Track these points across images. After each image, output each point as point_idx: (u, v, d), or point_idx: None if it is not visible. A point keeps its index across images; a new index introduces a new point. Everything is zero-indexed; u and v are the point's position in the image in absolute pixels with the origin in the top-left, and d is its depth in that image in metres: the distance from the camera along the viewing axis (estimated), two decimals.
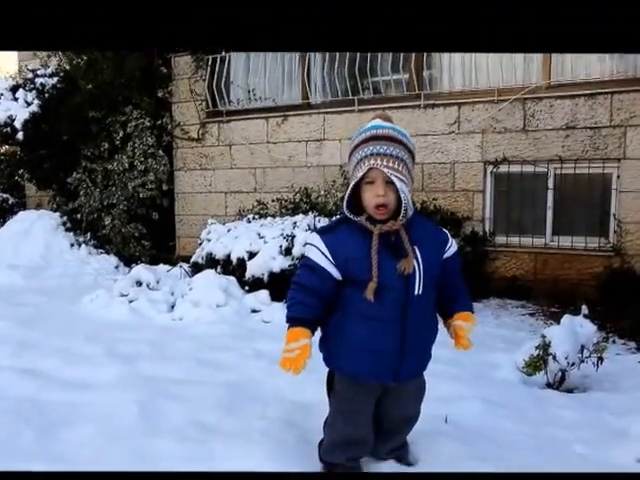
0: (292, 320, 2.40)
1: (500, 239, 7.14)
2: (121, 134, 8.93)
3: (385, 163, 2.26)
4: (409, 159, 2.34)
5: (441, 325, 2.60)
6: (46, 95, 9.45)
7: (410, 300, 2.34)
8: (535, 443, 3.03)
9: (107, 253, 9.01)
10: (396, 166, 2.27)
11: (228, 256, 6.51)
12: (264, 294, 5.94)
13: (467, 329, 2.53)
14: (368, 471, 2.67)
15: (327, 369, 2.59)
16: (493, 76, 6.97)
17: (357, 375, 2.45)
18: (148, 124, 8.89)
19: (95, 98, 8.94)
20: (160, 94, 9.03)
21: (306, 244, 2.51)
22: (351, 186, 2.32)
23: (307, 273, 2.41)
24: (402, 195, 2.26)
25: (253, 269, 6.19)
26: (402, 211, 2.29)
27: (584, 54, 6.39)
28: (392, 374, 2.43)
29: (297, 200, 7.60)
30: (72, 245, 8.95)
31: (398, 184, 2.25)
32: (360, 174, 2.29)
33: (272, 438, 2.92)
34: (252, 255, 6.31)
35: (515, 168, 6.97)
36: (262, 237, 6.43)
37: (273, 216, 7.24)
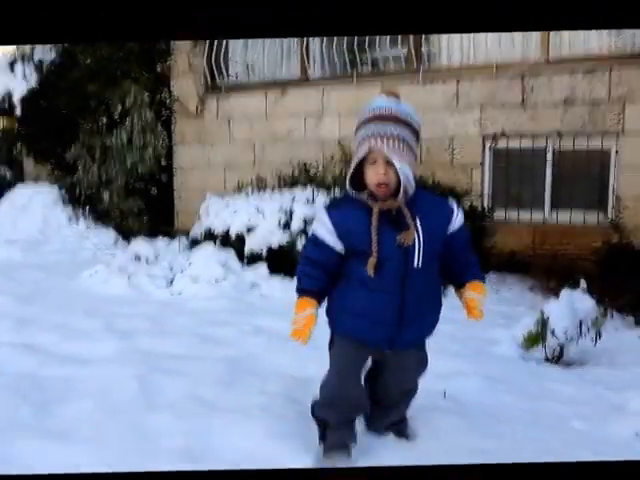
0: (300, 291, 2.51)
1: (499, 214, 7.12)
2: (120, 109, 8.87)
3: (386, 144, 2.29)
4: (412, 138, 2.37)
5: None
6: (44, 70, 9.38)
7: (409, 272, 2.38)
8: (533, 418, 3.05)
9: (106, 228, 8.99)
10: (397, 147, 2.30)
11: (227, 231, 6.50)
12: (263, 269, 5.95)
13: (479, 300, 2.56)
14: (368, 445, 2.68)
15: (328, 340, 2.64)
16: (492, 51, 6.93)
17: (354, 338, 2.52)
18: (147, 99, 8.84)
19: (94, 73, 8.89)
20: (159, 69, 8.98)
21: (315, 218, 2.60)
22: (353, 165, 2.37)
23: (312, 247, 2.51)
24: (402, 176, 2.29)
25: (252, 244, 6.19)
26: (401, 191, 2.32)
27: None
28: (388, 342, 2.50)
29: (296, 174, 7.57)
30: (70, 220, 8.94)
31: (398, 165, 2.28)
32: (361, 154, 2.34)
33: (272, 414, 2.93)
34: (251, 230, 6.30)
35: (514, 143, 6.95)
36: (261, 212, 6.42)
37: (272, 191, 7.22)
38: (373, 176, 2.34)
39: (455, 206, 2.55)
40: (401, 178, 2.30)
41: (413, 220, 2.36)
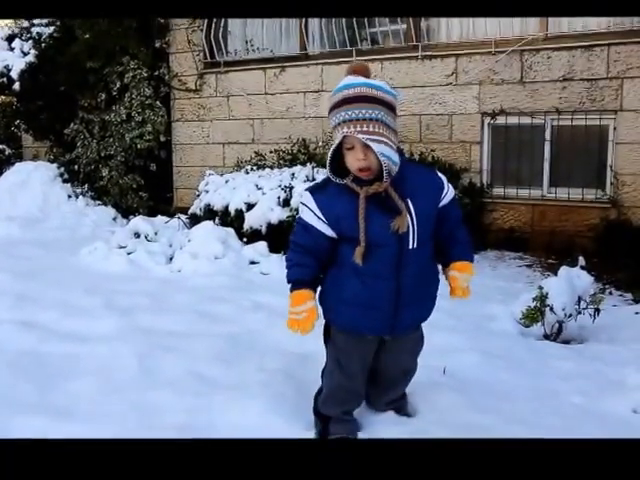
0: (293, 282, 2.44)
1: (497, 191, 7.12)
2: (118, 85, 8.82)
3: (359, 128, 2.19)
4: (386, 115, 2.25)
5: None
6: (42, 45, 9.32)
7: (405, 255, 2.33)
8: (532, 394, 3.07)
9: (105, 205, 8.97)
10: (371, 128, 2.19)
11: (226, 207, 6.51)
12: (262, 246, 5.95)
13: (462, 279, 2.52)
14: (368, 421, 2.71)
15: (323, 329, 2.61)
16: (490, 27, 6.88)
17: (353, 328, 2.47)
18: (145, 75, 8.78)
19: (92, 48, 8.80)
20: (157, 44, 8.91)
21: (300, 203, 2.50)
22: (331, 152, 2.29)
23: (301, 233, 2.43)
24: (382, 158, 2.20)
25: (251, 220, 6.20)
26: (385, 173, 2.24)
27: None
28: (388, 327, 2.44)
29: (295, 151, 7.56)
30: (69, 197, 8.92)
31: (376, 147, 2.18)
32: (337, 142, 2.25)
33: (271, 390, 2.94)
34: (250, 206, 6.31)
35: (512, 120, 6.93)
36: (260, 188, 6.42)
37: (271, 167, 7.22)
38: (353, 162, 2.26)
39: (444, 180, 2.49)
40: (382, 160, 2.21)
41: (403, 201, 2.28)
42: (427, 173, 2.54)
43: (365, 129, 2.19)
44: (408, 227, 2.28)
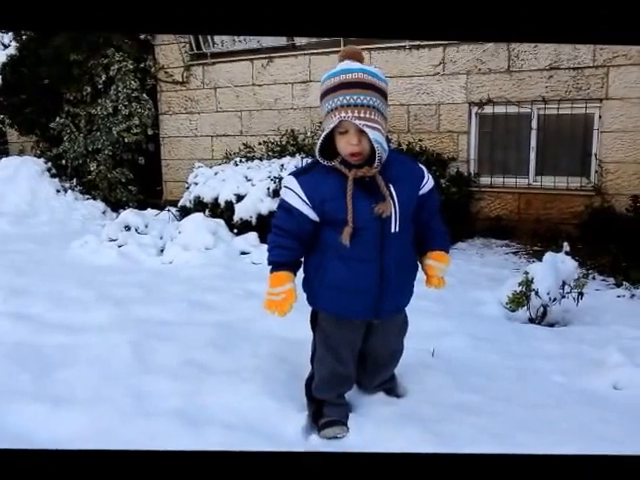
0: (274, 264, 2.45)
1: (484, 179, 7.21)
2: (104, 77, 8.84)
3: (356, 114, 2.21)
4: (381, 102, 2.29)
5: None
6: (24, 37, 9.27)
7: (387, 239, 2.36)
8: (518, 374, 3.15)
9: (94, 199, 9.00)
10: (367, 115, 2.22)
11: (216, 199, 6.55)
12: (253, 236, 6.01)
13: (437, 268, 2.58)
14: (359, 404, 2.77)
15: (310, 316, 2.65)
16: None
17: (339, 312, 2.50)
18: (131, 67, 8.80)
19: (75, 40, 8.78)
20: (142, 36, 8.89)
21: (283, 186, 2.51)
22: (323, 135, 2.29)
23: (285, 216, 2.43)
24: (376, 145, 2.23)
25: (241, 212, 6.24)
26: (377, 159, 2.28)
27: None
28: (373, 311, 2.48)
29: (284, 142, 7.61)
30: (58, 191, 8.92)
31: (371, 134, 2.21)
32: (332, 126, 2.25)
33: (264, 374, 2.99)
34: (240, 198, 6.36)
35: (499, 109, 7.01)
36: (249, 180, 6.47)
37: (260, 159, 7.26)
38: (346, 146, 2.28)
39: (425, 170, 2.55)
40: (375, 147, 2.23)
41: (387, 187, 2.32)
42: (409, 162, 2.60)
43: (362, 115, 2.22)
44: (391, 211, 2.33)
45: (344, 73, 2.28)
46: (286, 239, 2.42)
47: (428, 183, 2.54)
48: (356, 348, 2.65)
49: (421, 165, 2.59)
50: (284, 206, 2.43)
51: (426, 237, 2.58)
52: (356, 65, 2.32)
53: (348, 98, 2.23)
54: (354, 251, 2.34)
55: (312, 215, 2.37)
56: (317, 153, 2.34)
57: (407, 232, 2.45)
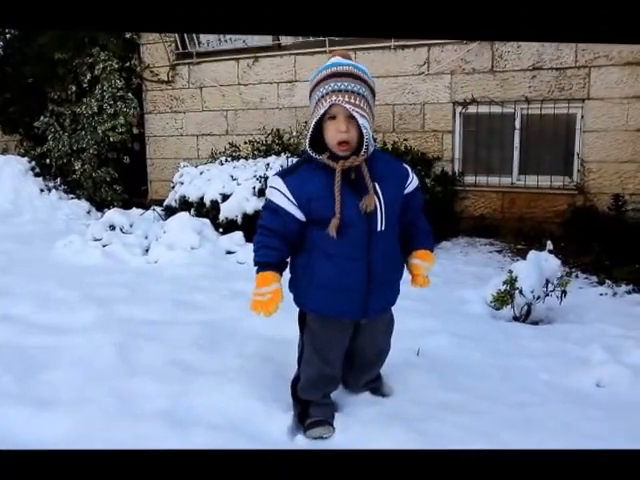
0: (260, 265, 2.44)
1: (469, 179, 7.25)
2: (89, 76, 8.79)
3: (347, 99, 2.24)
4: (370, 95, 2.34)
5: None
6: (8, 35, 9.20)
7: (373, 237, 2.37)
8: (503, 372, 3.17)
9: (78, 198, 8.94)
10: (357, 102, 2.25)
11: (201, 198, 6.54)
12: (238, 235, 5.99)
13: (423, 267, 2.60)
14: (345, 403, 2.77)
15: (298, 316, 2.65)
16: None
17: (327, 313, 2.50)
18: (116, 66, 8.76)
19: (60, 39, 8.73)
20: (127, 35, 8.85)
21: (269, 186, 2.50)
22: (313, 123, 2.31)
23: (271, 216, 2.43)
24: (364, 131, 2.25)
25: (227, 211, 6.24)
26: (364, 146, 2.30)
27: None
28: (361, 310, 2.48)
29: (269, 142, 7.61)
30: (42, 190, 8.84)
31: (360, 120, 2.24)
32: (322, 110, 2.27)
33: (249, 374, 2.99)
34: (225, 197, 6.35)
35: (483, 109, 7.05)
36: (235, 179, 6.46)
37: (245, 158, 7.26)
38: (334, 134, 2.29)
39: (409, 169, 2.58)
40: (364, 132, 2.26)
41: (372, 184, 2.34)
42: (394, 161, 2.63)
43: (352, 101, 2.25)
44: (376, 208, 2.34)
45: (335, 66, 2.33)
46: (272, 239, 2.42)
47: (413, 182, 2.56)
48: (344, 348, 2.65)
49: (405, 165, 2.61)
50: (270, 206, 2.43)
51: (411, 236, 2.60)
52: (347, 60, 2.37)
53: (339, 84, 2.27)
54: (341, 249, 2.36)
55: (298, 214, 2.38)
56: (307, 143, 2.35)
57: (393, 230, 2.47)
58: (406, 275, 2.64)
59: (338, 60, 2.36)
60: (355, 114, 2.23)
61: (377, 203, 2.35)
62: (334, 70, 2.31)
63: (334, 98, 2.24)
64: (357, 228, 2.35)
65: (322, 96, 2.28)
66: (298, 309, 2.62)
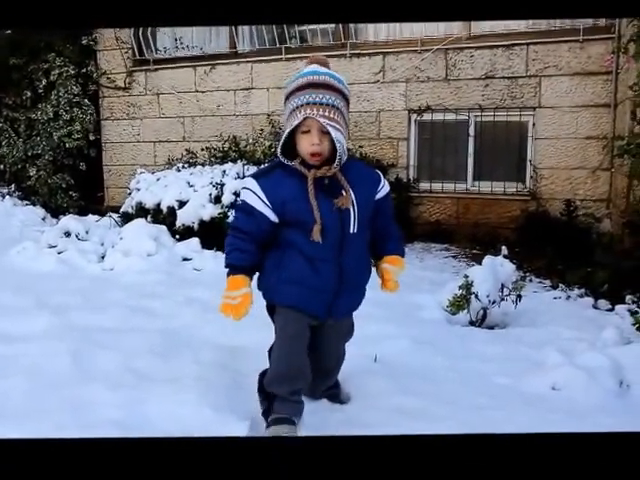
0: (231, 267, 2.44)
1: (424, 185, 7.34)
2: (44, 82, 8.67)
3: (321, 112, 2.26)
4: (345, 106, 2.36)
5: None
6: None
7: (346, 239, 2.40)
8: (460, 377, 3.20)
9: (33, 204, 8.77)
10: (332, 115, 2.27)
11: (158, 205, 6.50)
12: (195, 242, 5.97)
13: (394, 272, 2.62)
14: (305, 411, 2.76)
15: (264, 309, 2.62)
16: (416, 27, 7.10)
17: (295, 305, 2.49)
18: (72, 72, 8.66)
19: (15, 44, 8.61)
20: (84, 41, 8.77)
21: (242, 188, 2.51)
22: (286, 133, 2.32)
23: (244, 217, 2.44)
24: (337, 145, 2.28)
25: (183, 218, 6.21)
26: (337, 159, 2.33)
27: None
28: (327, 310, 2.50)
29: (226, 149, 7.59)
30: None
31: (333, 134, 2.25)
32: (296, 122, 2.28)
33: (205, 382, 2.96)
34: (182, 204, 6.32)
35: (438, 116, 7.15)
36: (192, 186, 6.44)
37: (202, 165, 7.24)
38: (307, 146, 2.31)
39: (381, 175, 2.63)
40: (337, 147, 2.28)
41: (346, 186, 2.37)
42: (365, 167, 2.69)
43: (326, 114, 2.27)
44: (349, 211, 2.37)
45: (312, 75, 2.35)
46: (245, 242, 2.42)
47: (384, 188, 2.59)
48: (306, 343, 2.60)
49: (378, 171, 2.66)
50: (244, 208, 2.44)
51: (382, 241, 2.62)
52: (324, 69, 2.39)
53: (314, 96, 2.28)
54: (315, 250, 2.37)
55: (272, 217, 2.38)
56: (279, 151, 2.36)
57: (364, 234, 2.50)
58: (372, 280, 2.66)
59: (315, 69, 2.38)
60: (329, 128, 2.25)
61: (350, 205, 2.38)
62: (310, 80, 2.32)
63: (308, 111, 2.26)
64: (331, 230, 2.37)
65: (296, 107, 2.30)
66: (267, 305, 2.60)
